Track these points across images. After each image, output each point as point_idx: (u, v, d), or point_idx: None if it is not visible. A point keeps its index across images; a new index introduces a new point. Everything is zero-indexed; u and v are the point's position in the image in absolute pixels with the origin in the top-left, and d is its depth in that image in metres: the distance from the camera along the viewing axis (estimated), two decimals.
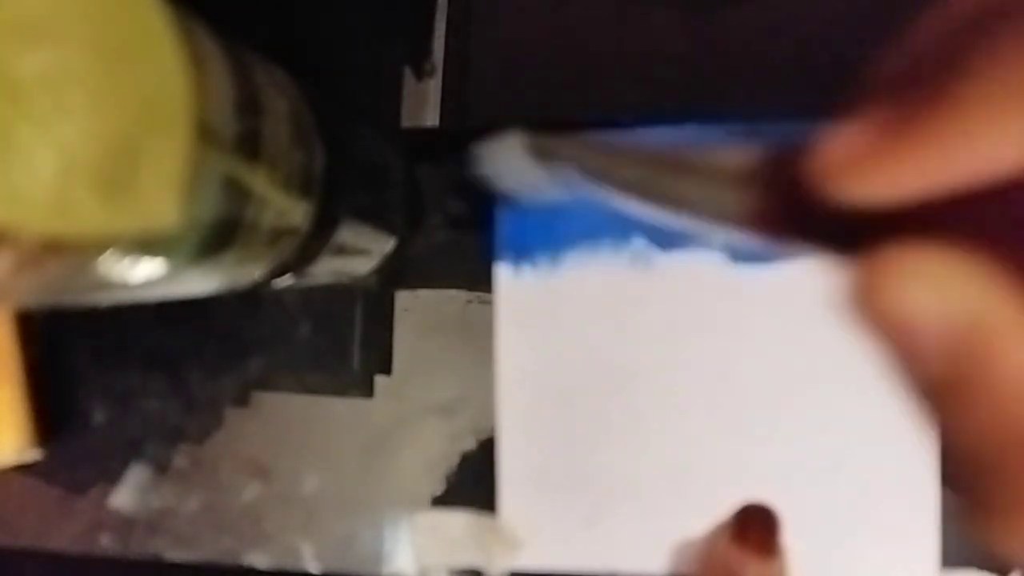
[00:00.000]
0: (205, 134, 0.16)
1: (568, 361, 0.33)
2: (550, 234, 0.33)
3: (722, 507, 0.33)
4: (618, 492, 0.33)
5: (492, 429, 0.34)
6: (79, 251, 0.14)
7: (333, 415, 0.35)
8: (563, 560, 0.33)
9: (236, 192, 0.18)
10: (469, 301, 0.34)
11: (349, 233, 0.27)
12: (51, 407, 0.36)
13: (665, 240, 0.32)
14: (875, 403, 0.31)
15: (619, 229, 0.33)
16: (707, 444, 0.33)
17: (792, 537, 0.32)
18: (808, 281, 0.32)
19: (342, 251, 0.28)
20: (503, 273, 0.33)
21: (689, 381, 0.33)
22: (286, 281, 0.26)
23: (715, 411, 0.33)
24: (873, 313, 0.12)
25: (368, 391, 0.35)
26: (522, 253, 0.33)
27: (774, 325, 0.32)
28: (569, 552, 0.33)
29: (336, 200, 0.25)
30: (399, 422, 0.35)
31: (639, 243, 0.33)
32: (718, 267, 0.32)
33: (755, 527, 0.32)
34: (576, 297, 0.33)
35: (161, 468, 0.36)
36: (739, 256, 0.32)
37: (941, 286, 0.11)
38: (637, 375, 0.33)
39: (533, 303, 0.33)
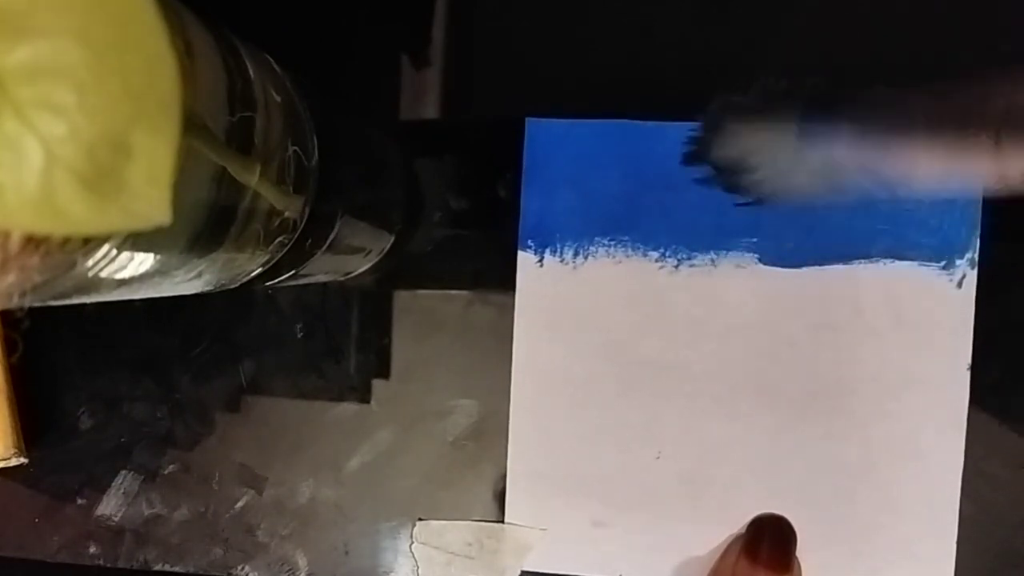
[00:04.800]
0: (196, 127, 0.16)
1: (586, 356, 0.33)
2: (575, 225, 0.33)
3: (737, 516, 0.32)
4: (629, 495, 0.33)
5: (494, 434, 0.34)
6: (66, 248, 0.14)
7: (328, 421, 0.34)
8: (569, 562, 0.33)
9: (228, 187, 0.18)
10: (471, 302, 0.34)
11: (345, 230, 0.27)
12: (36, 412, 0.36)
13: (694, 241, 0.32)
14: (901, 417, 0.31)
15: (648, 226, 0.32)
16: (724, 450, 0.32)
17: (808, 551, 0.31)
18: (838, 287, 0.31)
19: (338, 249, 0.27)
20: (524, 262, 0.33)
21: (710, 384, 0.32)
22: (279, 280, 0.25)
23: (735, 416, 0.32)
24: None
25: (365, 396, 0.34)
26: (545, 242, 0.33)
27: (802, 331, 0.32)
28: (576, 554, 0.33)
29: (331, 195, 0.25)
30: (397, 428, 0.34)
31: (667, 241, 0.32)
32: (746, 269, 0.32)
33: (768, 541, 0.31)
34: (598, 291, 0.33)
35: (150, 475, 0.36)
36: (768, 258, 0.32)
37: None
38: (656, 375, 0.32)
39: (553, 294, 0.33)
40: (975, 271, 0.31)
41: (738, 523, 0.32)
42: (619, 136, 0.32)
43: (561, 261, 0.33)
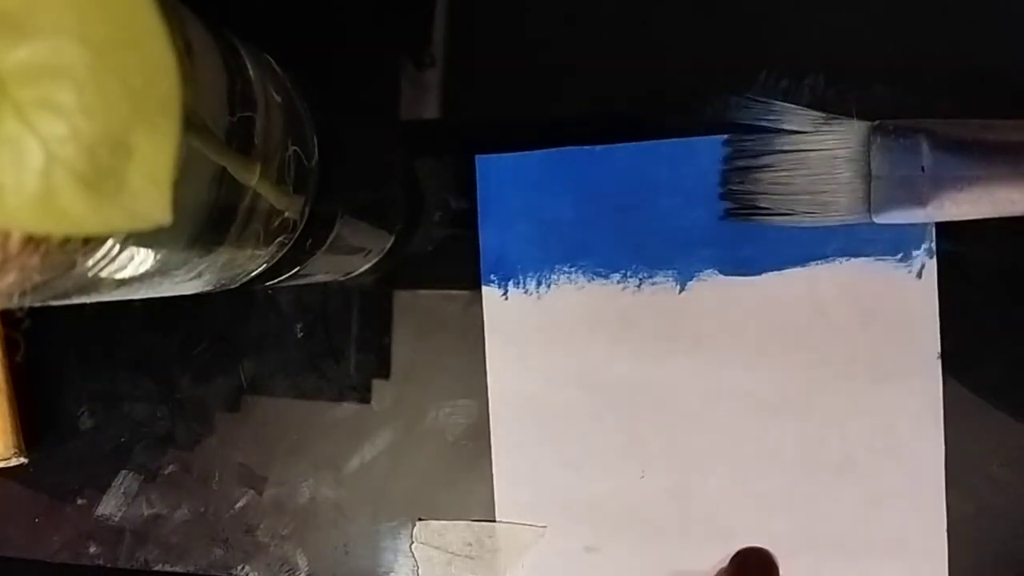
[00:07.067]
0: (196, 127, 0.16)
1: (560, 384, 0.33)
2: (535, 255, 0.33)
3: (726, 528, 0.32)
4: (619, 517, 0.32)
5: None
6: (66, 249, 0.14)
7: (328, 421, 0.34)
8: None
9: (228, 187, 0.18)
10: (471, 302, 0.33)
11: (345, 230, 0.27)
12: (36, 412, 0.35)
13: (653, 259, 0.32)
14: (876, 412, 0.31)
15: (606, 249, 0.32)
16: (707, 462, 0.32)
17: (799, 555, 0.31)
18: (798, 290, 0.31)
19: (338, 249, 0.27)
20: (489, 296, 0.33)
21: (686, 400, 0.32)
22: (279, 280, 0.25)
23: (713, 428, 0.32)
24: None
25: (365, 396, 0.34)
26: (507, 275, 0.33)
27: (768, 337, 0.31)
28: None
29: (332, 196, 0.24)
30: (397, 428, 0.34)
31: (627, 262, 0.32)
32: (707, 281, 0.32)
33: (752, 574, 0.31)
34: (565, 318, 0.33)
35: (150, 475, 0.35)
36: (727, 269, 0.32)
37: None
38: (632, 395, 0.32)
39: (521, 326, 0.33)
40: (934, 260, 0.30)
41: (727, 536, 0.32)
42: (568, 163, 0.32)
43: (525, 292, 0.33)
